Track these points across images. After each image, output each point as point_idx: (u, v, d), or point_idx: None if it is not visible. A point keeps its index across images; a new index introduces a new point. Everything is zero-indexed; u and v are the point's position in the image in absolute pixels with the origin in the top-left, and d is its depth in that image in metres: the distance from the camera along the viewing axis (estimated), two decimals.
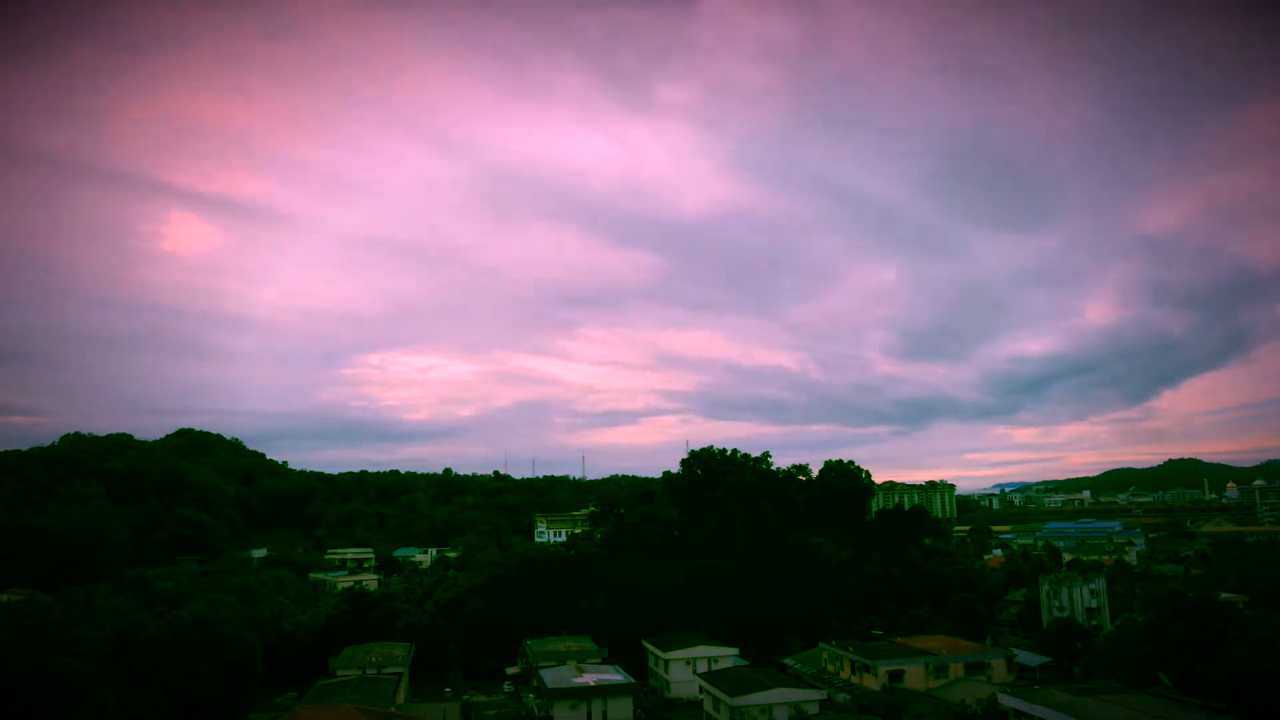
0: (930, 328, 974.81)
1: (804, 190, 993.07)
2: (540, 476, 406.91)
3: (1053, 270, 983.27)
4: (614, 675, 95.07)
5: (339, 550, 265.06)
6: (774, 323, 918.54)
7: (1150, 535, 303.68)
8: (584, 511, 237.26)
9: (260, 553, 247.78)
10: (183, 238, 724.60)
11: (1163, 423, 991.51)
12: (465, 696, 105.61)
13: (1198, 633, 77.79)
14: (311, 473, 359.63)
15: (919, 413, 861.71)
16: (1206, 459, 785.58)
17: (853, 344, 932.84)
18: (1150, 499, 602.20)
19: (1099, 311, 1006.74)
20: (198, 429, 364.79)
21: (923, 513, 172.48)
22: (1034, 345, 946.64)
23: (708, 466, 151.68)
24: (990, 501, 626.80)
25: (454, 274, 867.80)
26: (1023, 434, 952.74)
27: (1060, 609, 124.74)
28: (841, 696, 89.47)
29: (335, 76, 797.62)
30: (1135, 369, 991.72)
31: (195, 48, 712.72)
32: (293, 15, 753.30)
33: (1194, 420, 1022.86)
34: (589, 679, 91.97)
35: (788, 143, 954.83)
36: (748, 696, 79.62)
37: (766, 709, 78.88)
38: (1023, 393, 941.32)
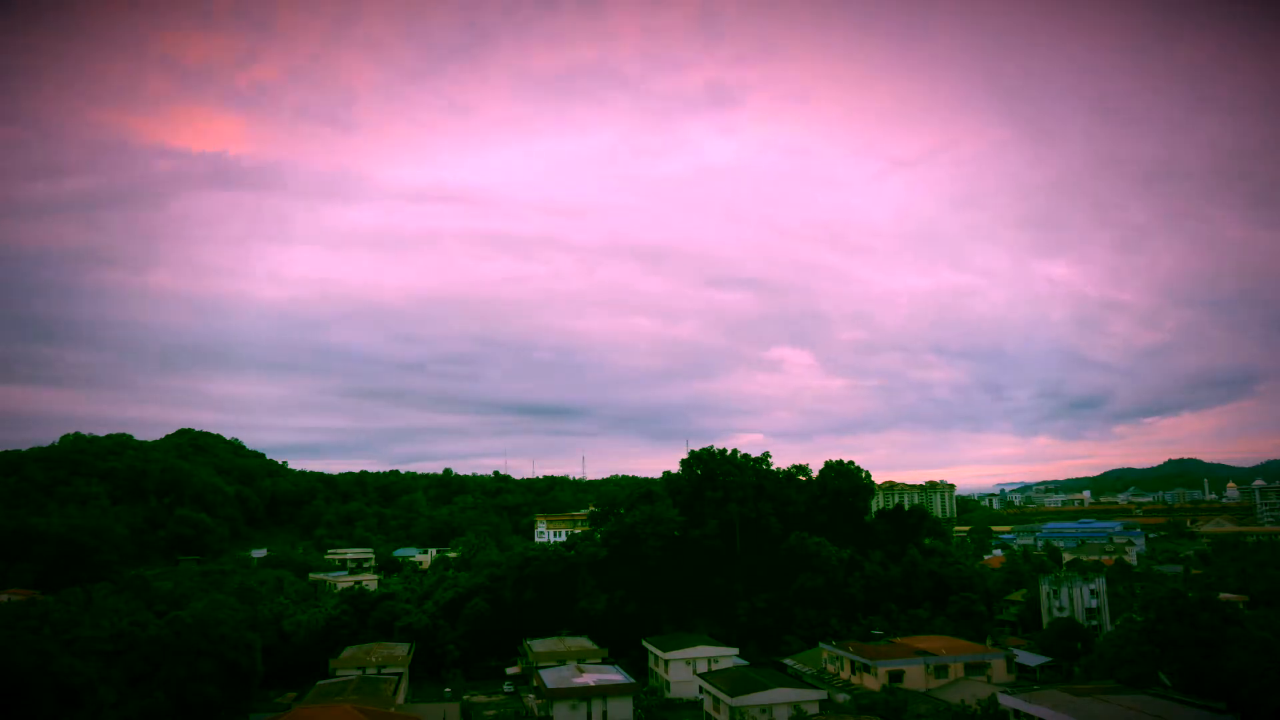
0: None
1: None
2: (540, 476, 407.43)
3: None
4: (614, 675, 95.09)
5: (339, 550, 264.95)
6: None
7: (1150, 535, 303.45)
8: (584, 511, 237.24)
9: (260, 553, 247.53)
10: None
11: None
12: (465, 696, 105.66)
13: (1198, 633, 77.74)
14: (312, 473, 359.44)
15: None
16: (1206, 459, 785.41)
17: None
18: (1150, 499, 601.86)
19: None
20: (198, 429, 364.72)
21: (923, 513, 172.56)
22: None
23: (708, 467, 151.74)
24: (990, 501, 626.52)
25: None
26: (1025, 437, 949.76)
27: (1060, 609, 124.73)
28: (841, 697, 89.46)
29: None
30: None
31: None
32: None
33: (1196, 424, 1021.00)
34: (589, 679, 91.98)
35: None
36: (748, 696, 79.60)
37: (766, 709, 78.85)
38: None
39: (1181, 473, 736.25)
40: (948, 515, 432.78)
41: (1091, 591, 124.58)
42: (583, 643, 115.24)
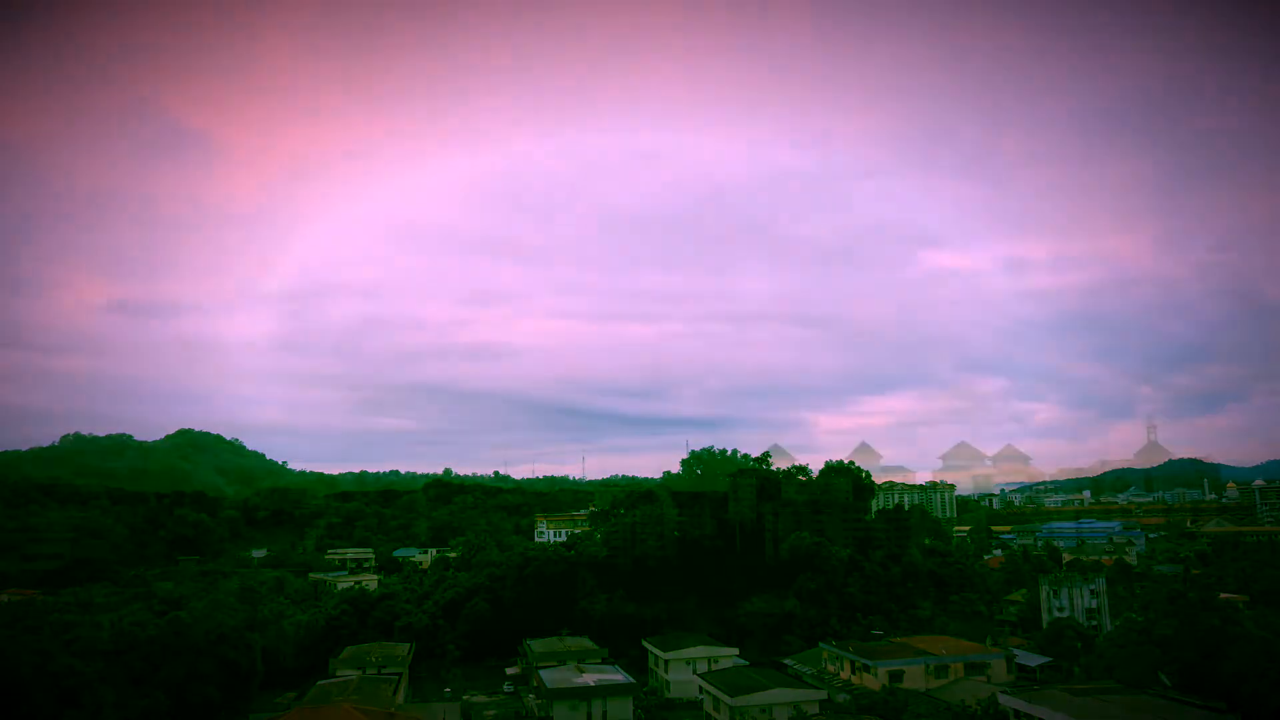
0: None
1: None
2: (540, 477, 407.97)
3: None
4: (614, 675, 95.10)
5: (339, 550, 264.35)
6: None
7: (1150, 535, 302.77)
8: (584, 511, 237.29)
9: (260, 553, 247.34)
10: None
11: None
12: (465, 696, 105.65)
13: (1198, 633, 77.75)
14: (312, 473, 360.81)
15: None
16: (1206, 459, 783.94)
17: None
18: (1150, 499, 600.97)
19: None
20: (198, 429, 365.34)
21: (923, 513, 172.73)
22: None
23: (707, 467, 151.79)
24: (990, 501, 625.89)
25: None
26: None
27: (1060, 609, 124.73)
28: (841, 697, 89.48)
29: None
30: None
31: None
32: None
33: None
34: (589, 679, 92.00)
35: None
36: (748, 696, 79.63)
37: (766, 709, 78.87)
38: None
39: (1181, 473, 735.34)
40: (948, 515, 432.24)
41: (1091, 591, 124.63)
42: (583, 643, 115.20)
